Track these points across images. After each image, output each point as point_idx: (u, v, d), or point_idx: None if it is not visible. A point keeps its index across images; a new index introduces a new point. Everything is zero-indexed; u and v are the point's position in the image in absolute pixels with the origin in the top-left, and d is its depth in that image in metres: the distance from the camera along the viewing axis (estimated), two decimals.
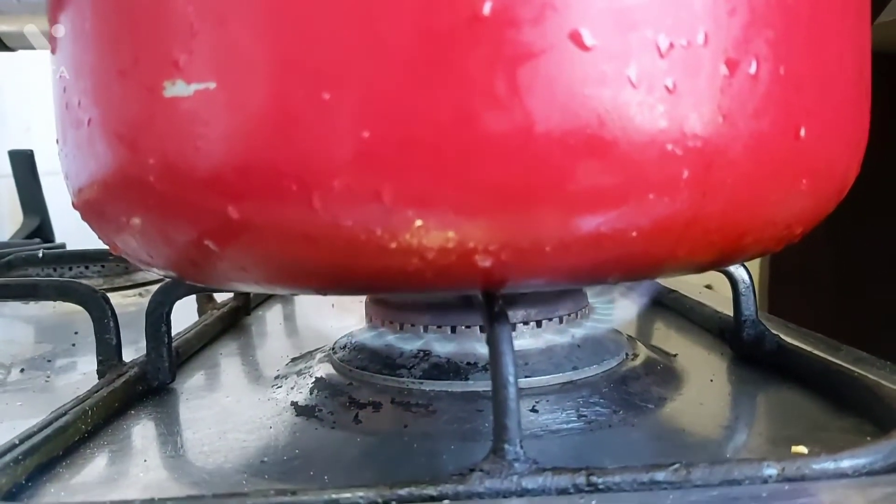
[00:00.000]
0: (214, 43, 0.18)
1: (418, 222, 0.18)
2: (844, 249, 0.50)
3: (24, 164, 0.68)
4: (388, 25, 0.17)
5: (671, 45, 0.17)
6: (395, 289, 0.23)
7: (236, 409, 0.29)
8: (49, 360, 0.38)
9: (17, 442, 0.23)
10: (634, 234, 0.19)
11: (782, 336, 0.33)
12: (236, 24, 0.17)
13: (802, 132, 0.19)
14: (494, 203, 0.18)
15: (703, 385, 0.29)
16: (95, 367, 0.32)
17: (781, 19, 0.19)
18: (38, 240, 0.58)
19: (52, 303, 0.52)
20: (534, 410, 0.25)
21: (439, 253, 0.18)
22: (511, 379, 0.19)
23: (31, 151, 0.69)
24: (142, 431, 0.27)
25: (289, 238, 0.19)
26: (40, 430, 0.24)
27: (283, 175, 0.18)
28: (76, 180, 0.23)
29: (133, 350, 0.37)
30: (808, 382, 0.28)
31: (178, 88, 0.18)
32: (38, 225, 0.69)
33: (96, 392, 0.28)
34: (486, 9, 0.16)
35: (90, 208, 0.23)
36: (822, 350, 0.31)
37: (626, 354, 0.30)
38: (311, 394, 0.29)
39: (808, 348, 0.32)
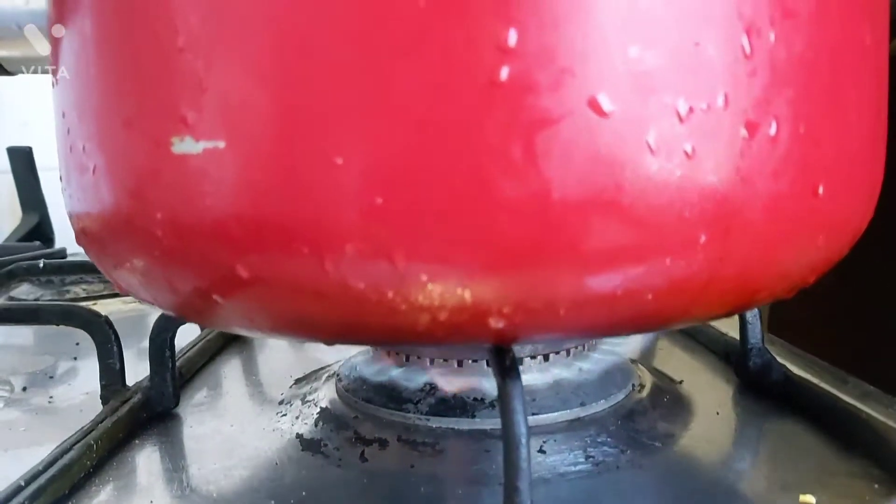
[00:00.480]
0: (224, 101, 0.17)
1: (431, 286, 0.17)
2: (847, 265, 0.50)
3: (22, 160, 0.68)
4: (403, 91, 0.16)
5: (691, 110, 0.17)
6: (405, 342, 0.22)
7: (241, 439, 0.29)
8: (51, 377, 0.38)
9: (23, 484, 0.23)
10: (650, 296, 0.18)
11: (788, 364, 0.33)
12: (248, 84, 0.17)
13: (821, 189, 0.19)
14: (509, 267, 0.17)
15: (710, 418, 0.29)
16: (98, 384, 0.32)
17: (802, 77, 0.18)
18: (37, 242, 0.57)
19: None
20: (542, 451, 0.25)
21: (451, 313, 0.18)
22: (523, 440, 0.19)
23: (30, 148, 0.68)
24: (147, 465, 0.27)
25: (298, 295, 0.18)
26: (45, 468, 0.24)
27: (294, 237, 0.17)
28: (80, 220, 0.23)
29: (135, 352, 0.37)
30: (814, 418, 0.28)
31: (186, 145, 0.18)
32: (38, 222, 0.69)
33: (101, 422, 0.28)
34: (503, 74, 0.16)
35: (93, 247, 0.23)
36: (829, 382, 0.31)
37: (633, 386, 0.30)
38: (315, 426, 0.29)
39: (815, 379, 0.31)
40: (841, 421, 0.27)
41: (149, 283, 0.22)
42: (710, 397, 0.31)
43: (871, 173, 0.22)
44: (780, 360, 0.33)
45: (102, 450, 0.27)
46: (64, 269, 0.45)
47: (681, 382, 0.33)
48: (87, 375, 0.38)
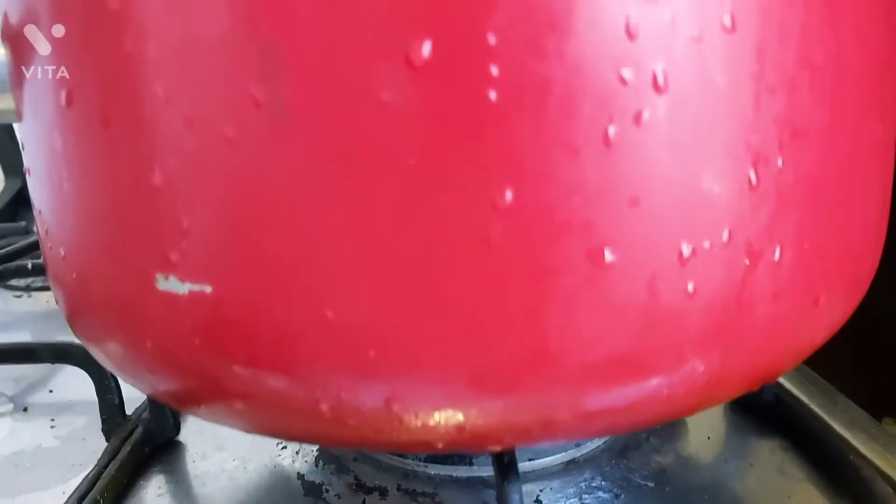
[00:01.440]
0: (208, 246, 0.17)
1: (427, 424, 0.17)
2: None
3: (2, 126, 0.65)
4: (396, 245, 0.16)
5: (694, 251, 0.16)
6: (404, 452, 0.22)
7: (244, 479, 0.29)
8: (51, 391, 0.38)
9: None
10: (647, 416, 0.18)
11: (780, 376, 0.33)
12: (233, 233, 0.16)
13: (822, 299, 0.19)
14: (508, 405, 0.17)
15: (701, 445, 0.30)
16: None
17: (809, 196, 0.18)
18: (23, 223, 0.56)
19: (45, 299, 0.51)
20: (537, 501, 0.26)
21: (448, 442, 0.18)
22: None
23: None
24: None
25: (291, 421, 0.18)
26: None
27: (287, 384, 0.17)
28: (55, 288, 0.22)
29: None
30: (804, 447, 0.29)
31: (171, 284, 0.17)
32: (21, 186, 0.67)
33: (105, 467, 0.29)
34: (498, 232, 0.15)
35: (68, 315, 0.22)
36: (819, 401, 0.32)
37: None
38: (316, 465, 0.29)
39: (805, 398, 0.32)
40: (829, 458, 0.27)
41: (127, 372, 0.21)
42: (702, 416, 0.32)
43: (873, 258, 0.21)
44: None
45: (109, 501, 0.27)
46: None
47: None
48: (86, 387, 0.38)
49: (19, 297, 0.51)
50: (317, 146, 0.15)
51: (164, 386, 0.20)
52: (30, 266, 0.43)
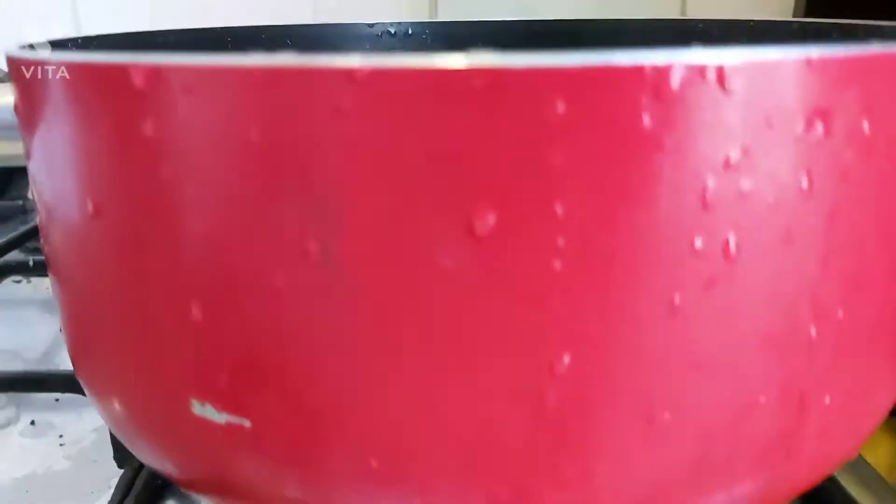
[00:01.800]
0: (248, 387, 0.16)
1: None
2: None
3: None
4: (448, 405, 0.15)
5: (748, 407, 0.16)
6: None
7: None
8: (57, 399, 0.38)
9: None
10: None
11: None
12: (275, 376, 0.16)
13: (866, 427, 0.19)
14: None
15: None
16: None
17: (865, 344, 0.17)
18: (19, 201, 0.54)
19: (45, 285, 0.50)
20: None
21: None
22: None
23: None
24: None
25: None
26: None
27: None
28: (69, 347, 0.21)
29: None
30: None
31: (207, 412, 0.17)
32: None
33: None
34: (553, 396, 0.15)
35: (81, 376, 0.22)
36: None
37: None
38: None
39: None
40: None
41: (135, 448, 0.21)
42: None
43: None
44: None
45: None
46: None
47: None
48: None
49: (18, 282, 0.50)
50: (370, 304, 0.14)
51: (180, 476, 0.20)
52: (31, 263, 0.41)
